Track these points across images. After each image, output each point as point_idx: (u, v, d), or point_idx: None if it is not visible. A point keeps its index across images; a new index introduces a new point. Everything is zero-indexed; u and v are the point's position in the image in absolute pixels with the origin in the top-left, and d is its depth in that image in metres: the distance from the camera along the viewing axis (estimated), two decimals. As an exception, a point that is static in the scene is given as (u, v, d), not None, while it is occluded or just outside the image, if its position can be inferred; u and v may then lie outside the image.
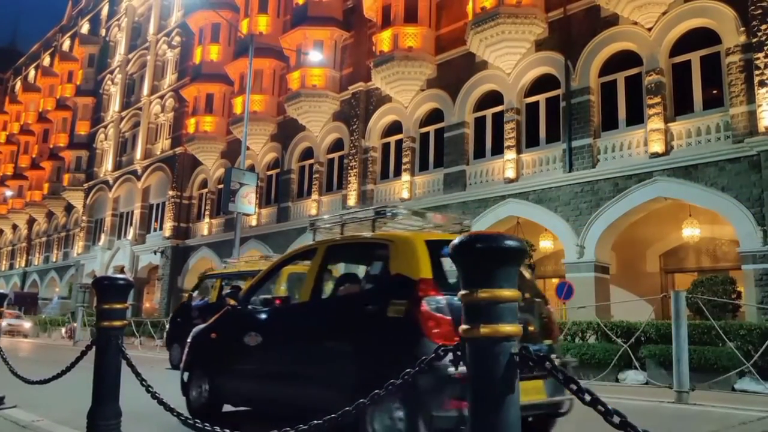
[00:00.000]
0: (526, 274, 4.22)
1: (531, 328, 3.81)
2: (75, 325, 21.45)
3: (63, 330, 25.37)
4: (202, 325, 5.24)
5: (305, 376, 4.06)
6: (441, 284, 3.62)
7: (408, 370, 1.99)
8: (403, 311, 3.60)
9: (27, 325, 26.43)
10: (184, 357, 5.18)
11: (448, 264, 3.81)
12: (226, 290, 9.78)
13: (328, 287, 4.67)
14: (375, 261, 4.38)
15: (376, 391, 2.03)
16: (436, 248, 3.85)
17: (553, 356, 3.55)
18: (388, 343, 3.60)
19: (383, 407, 3.45)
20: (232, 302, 4.95)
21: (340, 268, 5.42)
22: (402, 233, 4.33)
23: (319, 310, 4.32)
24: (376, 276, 4.28)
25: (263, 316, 4.62)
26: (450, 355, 1.85)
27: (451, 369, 2.86)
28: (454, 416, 3.22)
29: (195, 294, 11.84)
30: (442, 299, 3.51)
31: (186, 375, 5.02)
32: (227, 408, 4.98)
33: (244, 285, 6.84)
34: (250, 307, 4.76)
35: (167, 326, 13.48)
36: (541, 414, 3.71)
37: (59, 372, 4.24)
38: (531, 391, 3.47)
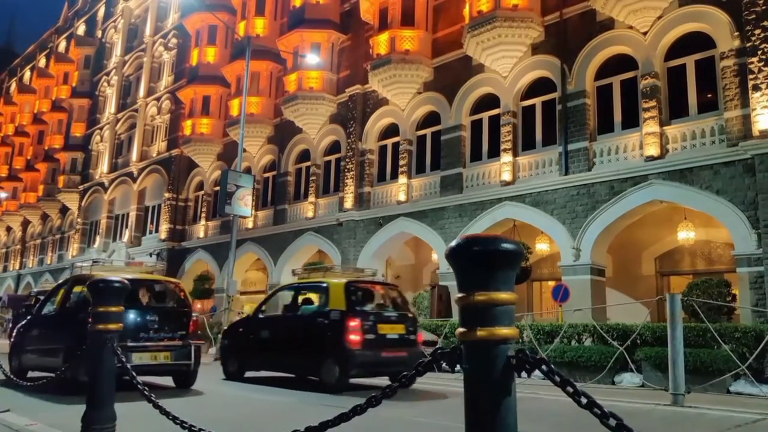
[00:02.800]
0: (173, 290, 8.12)
1: (165, 323, 7.28)
2: None
3: None
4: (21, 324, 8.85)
5: (49, 349, 7.42)
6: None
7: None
8: (87, 317, 6.82)
9: None
10: (10, 343, 8.90)
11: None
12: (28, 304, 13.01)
13: (68, 302, 8.09)
14: (84, 286, 7.22)
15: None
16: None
17: (175, 340, 7.32)
18: (76, 331, 6.29)
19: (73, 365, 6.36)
20: (29, 312, 8.80)
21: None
22: (96, 273, 7.81)
23: (59, 314, 7.88)
24: (81, 295, 7.60)
25: (40, 318, 8.29)
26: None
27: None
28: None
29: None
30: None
31: (9, 353, 8.46)
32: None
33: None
34: (44, 312, 8.36)
35: None
36: (174, 370, 7.41)
37: (54, 375, 4.22)
38: (162, 357, 7.08)
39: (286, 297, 9.50)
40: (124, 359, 3.66)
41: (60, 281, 9.41)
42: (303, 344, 8.09)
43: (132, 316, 7.07)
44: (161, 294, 8.03)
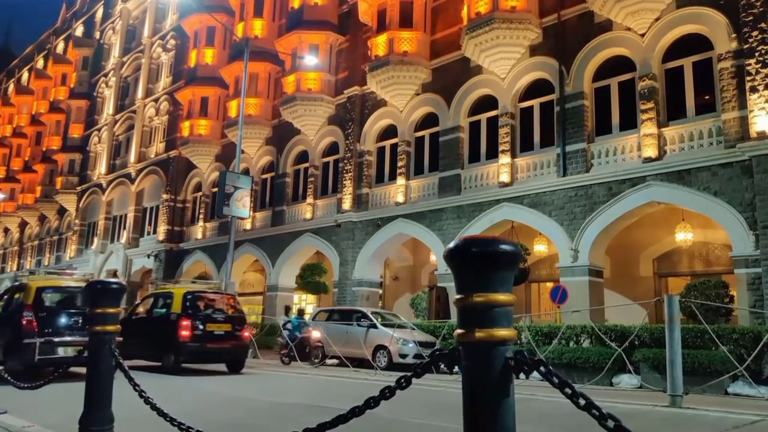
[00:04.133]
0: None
1: (89, 323, 8.20)
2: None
3: None
4: None
5: None
6: (38, 306, 8.61)
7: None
8: (21, 316, 8.44)
9: None
10: None
11: (45, 297, 8.97)
12: None
13: (10, 306, 9.37)
14: (21, 293, 9.11)
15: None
16: (42, 289, 8.99)
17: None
18: (12, 330, 8.52)
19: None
20: None
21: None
22: (31, 281, 9.25)
23: (1, 317, 9.18)
24: (18, 300, 8.90)
25: None
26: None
27: (29, 339, 8.71)
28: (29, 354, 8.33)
29: None
30: (32, 313, 8.43)
31: None
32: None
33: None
34: None
35: None
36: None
37: (51, 377, 4.21)
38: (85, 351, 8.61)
39: (149, 302, 11.89)
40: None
41: (4, 289, 11.86)
42: (155, 338, 10.56)
43: (61, 317, 8.71)
44: None
